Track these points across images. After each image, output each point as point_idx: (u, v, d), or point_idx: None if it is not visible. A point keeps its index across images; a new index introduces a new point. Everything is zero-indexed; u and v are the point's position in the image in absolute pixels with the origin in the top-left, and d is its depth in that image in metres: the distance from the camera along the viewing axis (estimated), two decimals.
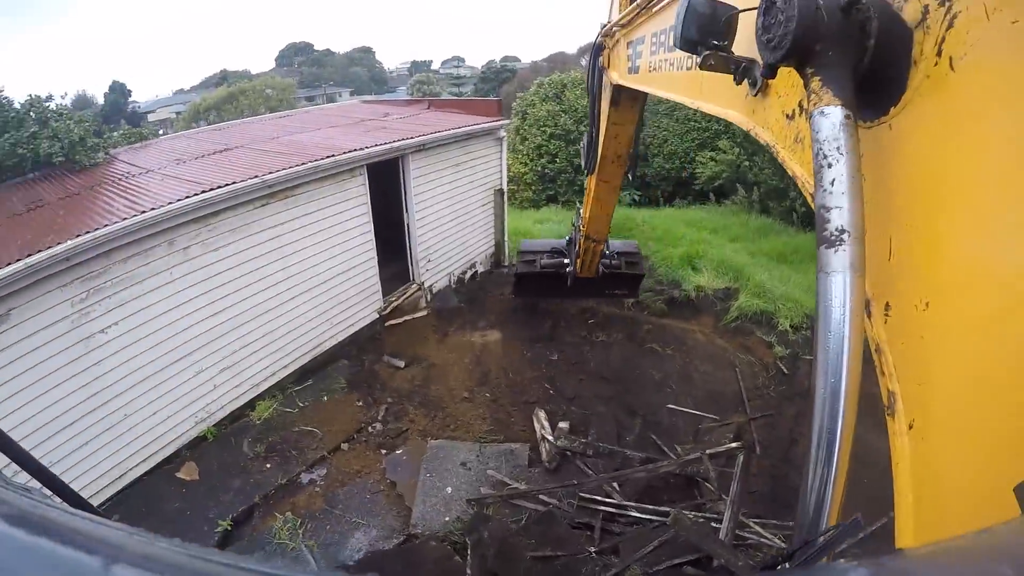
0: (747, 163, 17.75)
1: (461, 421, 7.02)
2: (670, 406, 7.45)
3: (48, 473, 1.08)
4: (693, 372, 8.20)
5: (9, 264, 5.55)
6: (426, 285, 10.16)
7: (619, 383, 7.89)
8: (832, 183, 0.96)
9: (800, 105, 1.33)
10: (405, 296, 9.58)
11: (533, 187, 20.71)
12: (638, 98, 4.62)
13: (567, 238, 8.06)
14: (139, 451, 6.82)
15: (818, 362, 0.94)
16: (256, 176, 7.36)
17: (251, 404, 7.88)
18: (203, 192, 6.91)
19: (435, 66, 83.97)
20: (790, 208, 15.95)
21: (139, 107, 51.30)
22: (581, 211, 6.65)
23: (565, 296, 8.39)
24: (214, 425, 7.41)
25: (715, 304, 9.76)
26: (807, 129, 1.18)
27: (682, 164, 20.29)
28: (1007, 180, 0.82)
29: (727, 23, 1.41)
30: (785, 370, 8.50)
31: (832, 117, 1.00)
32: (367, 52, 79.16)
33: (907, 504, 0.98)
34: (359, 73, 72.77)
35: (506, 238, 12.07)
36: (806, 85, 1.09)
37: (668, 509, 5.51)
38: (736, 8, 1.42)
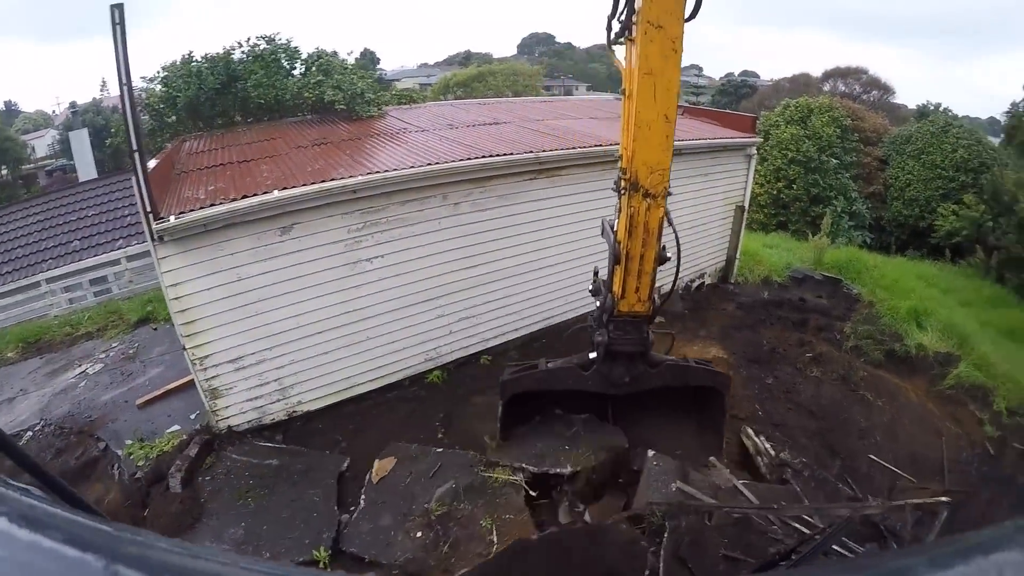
0: (991, 223, 21.41)
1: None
2: (871, 456, 9.77)
3: (48, 473, 1.45)
4: (899, 429, 10.48)
5: (304, 185, 8.40)
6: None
7: (825, 420, 10.25)
8: None
9: None
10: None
11: (765, 210, 25.53)
12: None
13: (591, 288, 7.78)
14: (370, 371, 9.92)
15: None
16: (531, 152, 10.39)
17: (476, 356, 11.01)
18: (483, 157, 9.95)
19: None
20: None
21: (385, 75, 67.31)
22: (621, 148, 6.20)
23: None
24: (440, 367, 10.62)
25: (933, 367, 12.36)
26: None
27: (922, 213, 24.99)
28: None
29: None
30: (992, 451, 10.73)
31: None
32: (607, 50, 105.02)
33: None
34: (598, 69, 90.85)
35: (738, 255, 14.87)
36: None
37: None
38: None
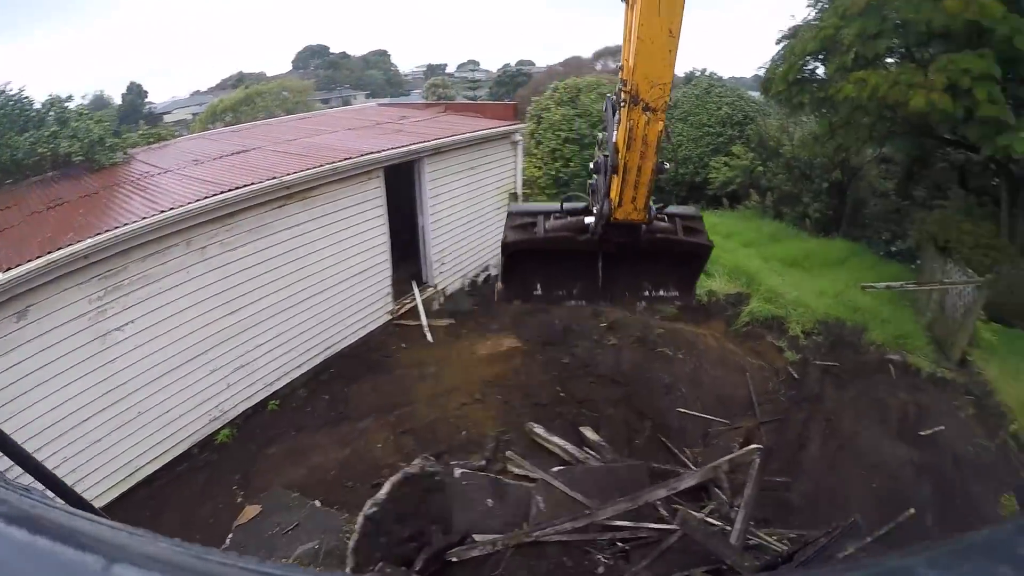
0: (761, 168, 24.01)
1: (472, 421, 9.63)
2: (680, 409, 10.14)
3: (48, 473, 1.59)
4: (703, 376, 10.99)
5: (29, 261, 7.60)
6: (439, 287, 13.45)
7: (630, 386, 10.53)
8: None
9: None
10: (419, 298, 12.67)
11: (547, 191, 27.23)
12: None
13: (591, 183, 6.83)
14: (151, 449, 9.24)
15: None
16: (275, 177, 9.91)
17: (263, 404, 10.55)
18: (222, 192, 9.31)
19: (450, 69, 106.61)
20: (803, 213, 21.69)
21: (156, 108, 67.41)
22: (621, 62, 6.09)
23: (584, 296, 7.54)
24: (227, 425, 10.06)
25: (727, 309, 13.26)
26: None
27: (696, 169, 27.46)
28: None
29: None
30: (795, 375, 11.54)
31: None
32: (383, 55, 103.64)
33: None
34: (375, 76, 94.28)
35: None
36: None
37: (698, 514, 7.54)
38: None
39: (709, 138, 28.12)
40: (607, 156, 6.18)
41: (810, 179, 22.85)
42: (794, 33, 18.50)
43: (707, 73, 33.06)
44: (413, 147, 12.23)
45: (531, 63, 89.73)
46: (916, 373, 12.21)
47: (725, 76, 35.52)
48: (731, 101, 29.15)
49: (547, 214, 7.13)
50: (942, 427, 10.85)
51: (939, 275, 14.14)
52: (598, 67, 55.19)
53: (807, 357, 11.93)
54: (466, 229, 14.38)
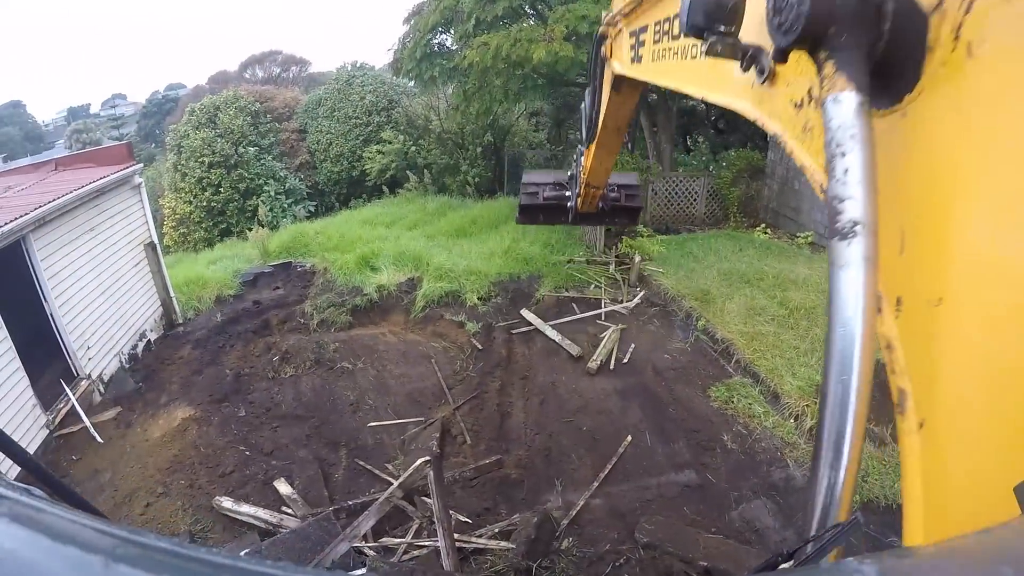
0: (414, 148, 24.06)
1: (160, 523, 8.51)
2: (371, 424, 9.67)
3: (49, 473, 1.59)
4: (389, 379, 10.57)
5: None
6: (95, 376, 11.71)
7: (315, 417, 9.94)
8: (846, 172, 1.46)
9: (809, 93, 1.99)
10: (73, 398, 10.95)
11: (203, 224, 25.69)
12: (639, 84, 6.06)
13: (570, 174, 10.04)
14: None
15: (830, 358, 1.42)
16: None
17: None
18: None
19: (94, 109, 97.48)
20: (464, 181, 22.14)
21: None
22: (583, 156, 8.55)
23: (564, 222, 10.92)
24: None
25: (401, 299, 12.87)
26: (816, 118, 1.88)
27: (351, 164, 27.27)
28: (1019, 169, 1.32)
29: (734, 8, 2.14)
30: (480, 345, 11.40)
31: (846, 104, 1.53)
32: (17, 107, 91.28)
33: (916, 503, 1.49)
34: (10, 133, 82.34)
35: (172, 295, 13.91)
36: (819, 70, 1.64)
37: (401, 541, 7.29)
38: None
39: (358, 129, 27.97)
40: (573, 178, 8.86)
41: (464, 147, 23.28)
42: (419, 10, 18.61)
43: (357, 64, 32.36)
44: (7, 227, 10.06)
45: (182, 86, 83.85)
46: (598, 303, 12.47)
47: (379, 65, 35.31)
48: (374, 88, 29.02)
49: (544, 184, 9.85)
50: (633, 345, 11.27)
51: None
52: (247, 76, 53.33)
53: (489, 323, 11.85)
54: (106, 300, 12.52)
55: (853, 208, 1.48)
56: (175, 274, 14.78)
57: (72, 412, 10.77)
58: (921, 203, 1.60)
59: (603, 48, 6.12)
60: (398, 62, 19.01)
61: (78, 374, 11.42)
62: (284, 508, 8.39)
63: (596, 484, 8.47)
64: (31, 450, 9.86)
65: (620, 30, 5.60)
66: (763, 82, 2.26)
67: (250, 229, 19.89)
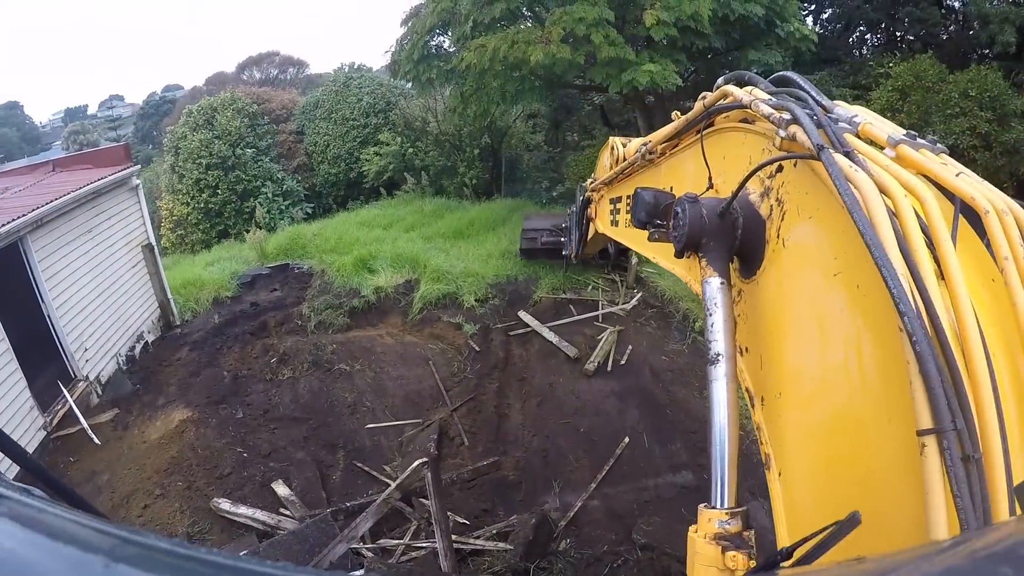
0: (411, 150, 24.10)
1: (158, 524, 8.55)
2: (369, 426, 9.70)
3: (48, 473, 1.58)
4: (387, 381, 10.59)
5: None
6: (92, 377, 11.63)
7: (313, 419, 9.96)
8: (712, 326, 2.42)
9: None
10: (71, 399, 10.86)
11: (201, 226, 25.62)
12: None
13: (564, 225, 11.43)
14: None
15: (711, 435, 2.31)
16: None
17: None
18: None
19: (92, 110, 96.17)
20: (461, 183, 22.16)
21: None
22: (586, 188, 9.14)
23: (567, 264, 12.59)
24: None
25: (399, 301, 12.90)
26: None
27: (348, 165, 27.15)
28: (809, 313, 2.21)
29: (665, 210, 3.09)
30: (477, 347, 11.44)
31: (712, 284, 2.48)
32: (15, 108, 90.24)
33: (783, 526, 2.33)
34: (7, 134, 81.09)
35: (170, 296, 13.89)
36: (699, 263, 2.61)
37: (399, 543, 7.38)
38: (673, 198, 3.11)
39: (355, 131, 27.80)
40: (568, 228, 10.49)
41: (461, 149, 23.26)
42: (417, 12, 18.47)
43: (355, 66, 32.27)
44: (4, 228, 9.99)
45: (179, 87, 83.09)
46: (595, 305, 12.48)
47: (377, 67, 35.27)
48: (371, 89, 29.02)
49: (542, 231, 12.53)
50: (630, 346, 11.26)
51: None
52: (244, 77, 52.78)
53: (487, 324, 11.85)
54: (103, 302, 12.45)
55: (717, 346, 2.46)
56: (173, 276, 14.81)
57: (69, 414, 10.71)
58: (768, 337, 2.61)
59: (589, 209, 7.89)
60: (396, 64, 18.98)
61: (75, 376, 11.35)
62: (282, 510, 8.41)
63: (594, 485, 8.50)
64: (28, 452, 9.88)
65: (602, 196, 7.21)
66: (680, 258, 3.11)
67: (247, 231, 19.84)
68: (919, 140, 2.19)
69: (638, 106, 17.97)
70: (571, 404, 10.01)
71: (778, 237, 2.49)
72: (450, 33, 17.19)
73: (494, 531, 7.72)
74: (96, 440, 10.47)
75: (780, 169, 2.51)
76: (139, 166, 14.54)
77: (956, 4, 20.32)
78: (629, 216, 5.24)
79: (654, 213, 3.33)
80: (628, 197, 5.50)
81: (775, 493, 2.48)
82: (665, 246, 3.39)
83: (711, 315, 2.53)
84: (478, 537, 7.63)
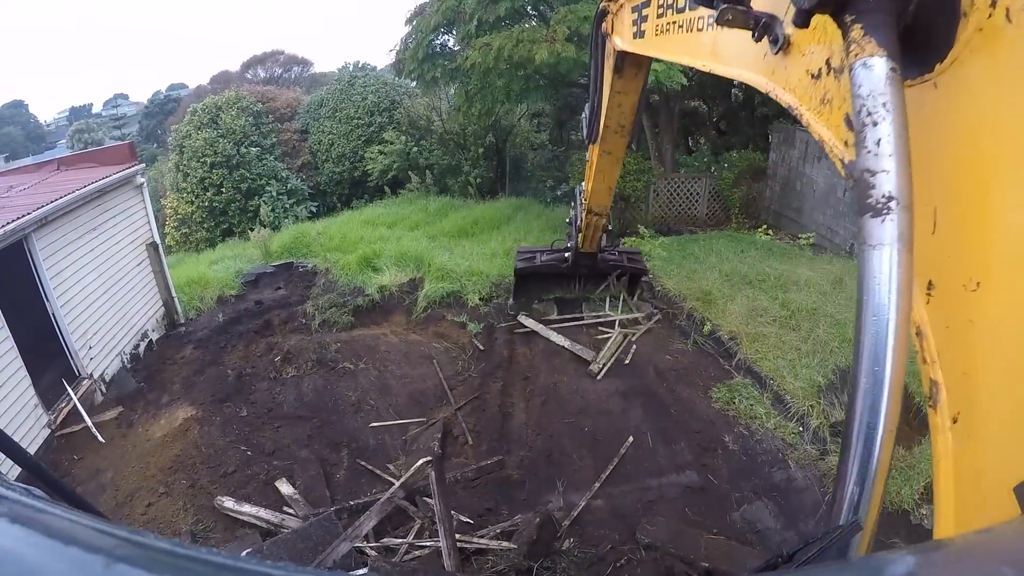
0: (415, 149, 24.26)
1: (162, 522, 8.53)
2: (373, 425, 9.66)
3: (48, 473, 1.59)
4: (391, 379, 10.55)
5: None
6: (96, 375, 11.67)
7: (317, 417, 9.93)
8: (878, 143, 1.37)
9: (828, 63, 1.92)
10: (75, 397, 10.92)
11: (205, 225, 25.85)
12: (643, 65, 6.23)
13: (568, 220, 11.40)
14: None
15: (860, 347, 1.34)
16: None
17: None
18: None
19: (96, 109, 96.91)
20: (466, 182, 22.34)
21: None
22: (584, 184, 9.23)
23: (567, 288, 12.41)
24: None
25: (403, 300, 12.89)
26: (836, 88, 1.84)
27: (352, 164, 27.44)
28: None
29: None
30: (481, 346, 11.41)
31: (876, 69, 1.43)
32: (19, 107, 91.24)
33: (948, 505, 1.41)
34: (12, 133, 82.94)
35: (174, 295, 13.94)
36: (845, 35, 1.54)
37: (402, 541, 7.31)
38: None
39: (360, 130, 28.01)
40: (576, 214, 10.49)
41: (466, 148, 23.35)
42: (422, 11, 18.50)
43: (359, 65, 32.39)
44: (10, 226, 9.97)
45: (184, 86, 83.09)
46: (601, 304, 12.50)
47: (381, 66, 35.43)
48: (376, 88, 28.98)
49: (541, 252, 11.84)
50: (634, 346, 11.30)
51: None
52: (249, 76, 53.00)
53: (491, 323, 11.86)
54: (108, 300, 12.48)
55: (887, 182, 1.39)
56: (177, 274, 14.83)
57: (74, 412, 10.73)
58: (956, 180, 1.51)
59: (604, 24, 6.23)
60: (400, 63, 19.01)
61: (80, 374, 11.36)
62: (286, 508, 8.39)
63: (598, 485, 8.46)
64: (33, 449, 9.88)
65: (622, 5, 5.72)
66: (777, 52, 2.17)
67: (252, 229, 19.94)
68: None
69: (642, 106, 17.90)
70: (575, 403, 10.00)
71: (994, 5, 1.40)
72: (455, 32, 17.17)
73: (498, 530, 7.67)
74: (100, 438, 10.46)
75: None
76: (144, 164, 14.53)
77: None
78: (662, 20, 4.37)
79: None
80: None
81: (942, 448, 1.50)
82: (727, 43, 2.61)
83: (875, 124, 1.45)
84: (482, 536, 7.59)
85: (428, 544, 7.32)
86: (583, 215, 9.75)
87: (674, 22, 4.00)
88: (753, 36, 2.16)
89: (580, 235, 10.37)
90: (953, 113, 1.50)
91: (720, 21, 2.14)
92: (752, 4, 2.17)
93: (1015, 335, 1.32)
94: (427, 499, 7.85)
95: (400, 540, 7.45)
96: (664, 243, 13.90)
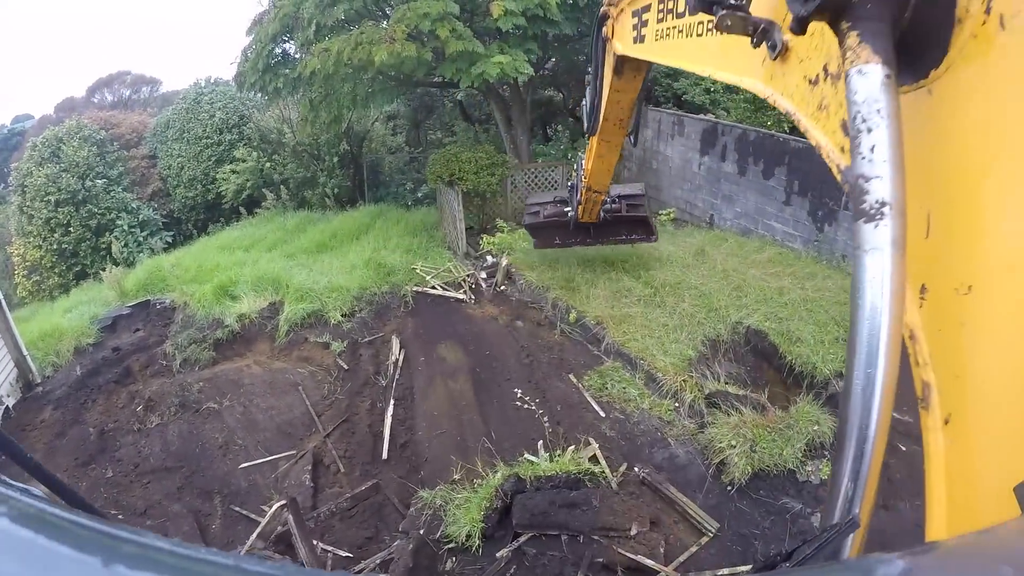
0: (269, 164, 23.43)
1: None
2: (243, 465, 9.28)
3: (48, 473, 1.55)
4: (257, 414, 10.18)
5: None
6: None
7: (186, 466, 9.47)
8: (872, 150, 1.40)
9: (825, 68, 1.93)
10: None
11: (56, 269, 24.22)
12: (642, 68, 6.34)
13: (570, 184, 11.42)
14: None
15: (854, 349, 1.34)
16: None
17: None
18: None
19: None
20: (323, 194, 21.81)
21: None
22: (583, 160, 9.44)
23: (579, 243, 12.44)
24: None
25: (264, 326, 12.47)
26: (833, 94, 1.85)
27: (205, 187, 26.11)
28: None
29: None
30: (346, 365, 11.17)
31: (872, 76, 1.45)
32: None
33: (940, 506, 1.43)
34: None
35: (26, 353, 12.85)
36: (841, 41, 1.57)
37: None
38: None
39: (209, 150, 26.70)
40: (573, 187, 10.98)
41: (320, 158, 22.86)
42: (260, 20, 17.76)
43: (212, 80, 30.86)
44: None
45: (29, 116, 76.93)
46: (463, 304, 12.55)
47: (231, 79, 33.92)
48: (224, 104, 27.80)
49: (545, 203, 12.34)
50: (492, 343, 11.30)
51: (452, 207, 15.45)
52: (95, 100, 50.22)
53: (354, 339, 11.67)
54: None
55: (881, 188, 1.41)
56: (29, 328, 13.87)
57: None
58: (949, 185, 1.54)
59: (604, 28, 6.32)
60: (241, 75, 18.26)
61: None
62: None
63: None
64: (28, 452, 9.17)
65: (622, 10, 5.80)
66: (775, 58, 2.21)
67: (104, 269, 18.80)
68: None
69: (493, 99, 17.94)
70: (443, 406, 10.00)
71: (988, 12, 1.45)
72: (295, 39, 16.63)
73: (378, 560, 7.53)
74: None
75: None
76: None
77: None
78: (662, 25, 4.48)
79: None
80: (661, 1, 4.52)
81: (934, 447, 1.55)
82: (727, 49, 2.63)
83: (869, 131, 1.49)
84: (360, 571, 7.44)
85: None
86: (583, 191, 10.07)
87: (674, 27, 4.11)
88: (752, 42, 2.20)
89: (580, 207, 10.65)
90: (947, 119, 1.56)
91: (719, 27, 2.18)
92: (751, 10, 2.20)
93: (1005, 338, 1.36)
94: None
95: None
96: (525, 234, 13.94)
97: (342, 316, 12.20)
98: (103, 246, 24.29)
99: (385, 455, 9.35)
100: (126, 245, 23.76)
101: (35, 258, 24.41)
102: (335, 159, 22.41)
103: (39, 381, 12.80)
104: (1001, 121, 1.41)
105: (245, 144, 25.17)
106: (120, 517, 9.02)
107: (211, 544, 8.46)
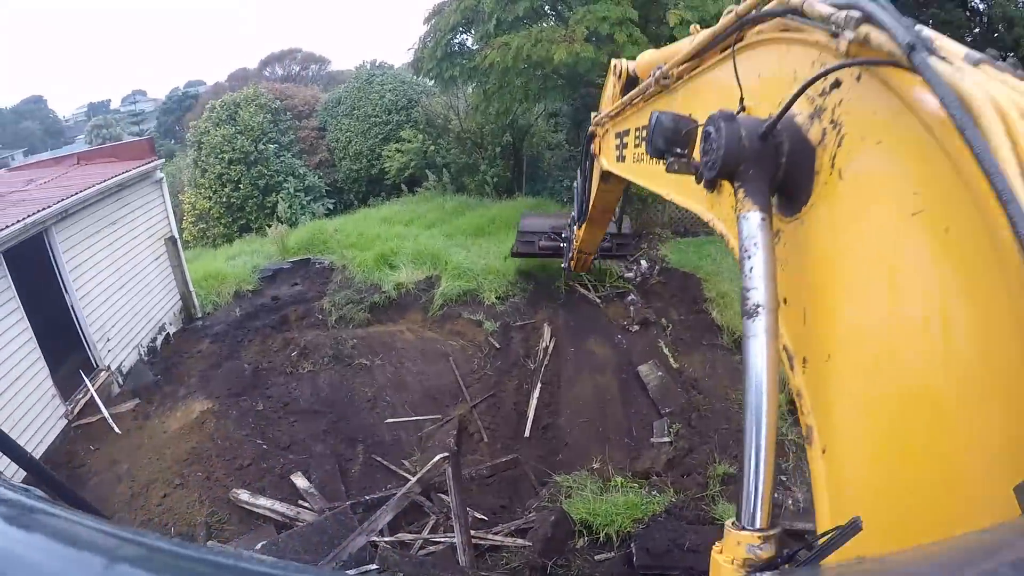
0: (433, 147, 24.34)
1: (177, 513, 8.69)
2: (388, 421, 9.75)
3: (48, 473, 1.63)
4: (407, 376, 10.64)
5: None
6: (114, 367, 11.75)
7: (333, 412, 10.00)
8: (751, 270, 1.99)
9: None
10: (92, 388, 11.01)
11: (223, 220, 26.05)
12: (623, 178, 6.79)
13: (564, 235, 11.38)
14: None
15: (747, 404, 1.90)
16: None
17: None
18: None
19: (115, 104, 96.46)
20: (482, 181, 22.33)
21: None
22: (575, 226, 9.89)
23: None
24: None
25: (420, 297, 12.95)
26: None
27: (370, 162, 27.34)
28: (875, 261, 1.80)
29: (687, 136, 2.73)
30: (497, 344, 11.48)
31: (752, 220, 2.05)
32: (38, 103, 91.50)
33: (824, 512, 1.98)
34: (31, 128, 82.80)
35: (192, 289, 14.04)
36: (735, 195, 2.17)
37: (417, 537, 7.40)
38: (695, 123, 2.74)
39: (377, 128, 27.89)
40: (568, 238, 10.60)
41: (483, 147, 23.39)
42: (440, 10, 18.48)
43: (376, 63, 32.28)
44: (32, 219, 10.08)
45: (201, 82, 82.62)
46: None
47: (398, 64, 35.33)
48: (393, 87, 28.95)
49: (541, 235, 12.24)
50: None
51: None
52: (266, 73, 53.09)
53: (507, 322, 11.84)
54: (126, 293, 12.53)
55: (756, 295, 2.01)
56: (194, 269, 14.88)
57: (91, 403, 10.76)
58: (815, 287, 2.18)
59: (593, 145, 7.17)
60: (419, 61, 19.00)
61: (97, 365, 11.41)
62: (301, 502, 8.43)
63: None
64: (49, 439, 10.01)
65: (607, 130, 6.58)
66: (712, 192, 2.87)
67: (269, 225, 19.94)
68: (999, 63, 1.70)
69: None
70: (586, 392, 10.07)
71: (832, 167, 2.08)
72: (473, 31, 17.15)
73: (512, 527, 7.71)
74: (117, 429, 10.53)
75: (837, 85, 2.07)
76: (163, 160, 14.64)
77: (981, 6, 19.96)
78: (638, 150, 5.11)
79: (674, 140, 2.91)
80: (638, 129, 5.15)
81: (816, 472, 2.14)
82: (682, 180, 3.20)
83: (749, 257, 2.10)
84: (496, 533, 7.62)
85: (443, 540, 7.35)
86: (575, 251, 10.46)
87: (646, 154, 4.64)
88: (696, 179, 2.67)
89: (572, 261, 10.84)
90: (813, 241, 2.19)
91: (669, 170, 2.80)
92: (693, 157, 2.77)
93: (852, 389, 1.95)
94: (442, 495, 8.00)
95: (415, 535, 7.47)
96: (678, 245, 13.80)
97: (496, 298, 12.53)
98: (268, 205, 25.96)
99: (527, 433, 9.49)
100: (290, 206, 25.19)
101: (204, 207, 26.29)
102: (498, 149, 23.03)
103: (200, 316, 13.84)
104: (843, 242, 2.02)
105: (412, 126, 26.21)
106: (265, 447, 9.63)
107: (349, 487, 8.78)
